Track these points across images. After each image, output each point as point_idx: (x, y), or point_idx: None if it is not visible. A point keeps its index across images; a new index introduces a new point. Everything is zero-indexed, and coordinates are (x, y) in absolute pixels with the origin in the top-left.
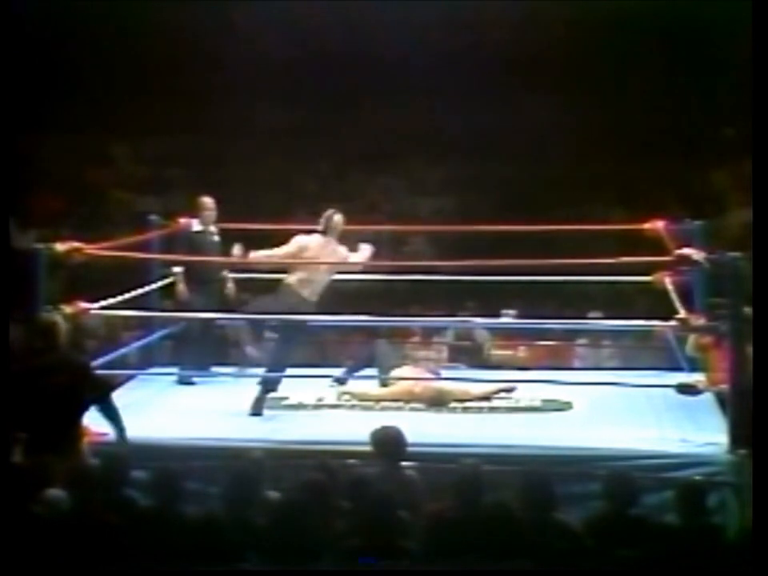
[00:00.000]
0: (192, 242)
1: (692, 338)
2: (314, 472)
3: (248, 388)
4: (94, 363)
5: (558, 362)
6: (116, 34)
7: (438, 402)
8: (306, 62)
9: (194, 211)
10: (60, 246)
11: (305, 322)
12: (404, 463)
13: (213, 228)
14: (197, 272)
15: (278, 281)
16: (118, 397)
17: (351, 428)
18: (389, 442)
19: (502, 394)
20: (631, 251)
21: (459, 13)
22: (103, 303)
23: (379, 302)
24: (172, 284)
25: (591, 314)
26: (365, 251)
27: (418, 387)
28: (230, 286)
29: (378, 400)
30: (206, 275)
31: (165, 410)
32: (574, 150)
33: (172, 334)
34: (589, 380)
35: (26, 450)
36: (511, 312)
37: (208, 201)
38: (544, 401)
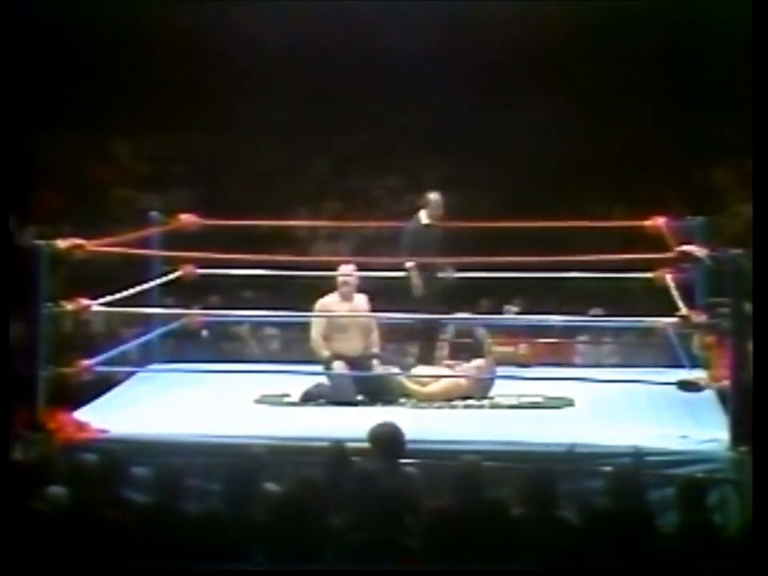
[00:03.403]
0: (417, 235)
1: (696, 337)
2: (313, 468)
3: (248, 385)
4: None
5: (560, 358)
6: (117, 32)
7: (486, 389)
8: (307, 59)
9: (422, 204)
10: (61, 243)
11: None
12: (403, 460)
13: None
14: (423, 266)
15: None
16: (120, 393)
17: (352, 425)
18: (386, 439)
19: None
20: (633, 248)
21: (461, 11)
22: (104, 300)
23: (380, 301)
24: (174, 280)
25: (592, 311)
26: None
27: (462, 381)
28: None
29: (431, 399)
30: (432, 270)
31: (166, 407)
32: (576, 147)
33: (173, 330)
34: (590, 377)
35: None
36: (513, 309)
37: (436, 196)
38: (546, 398)
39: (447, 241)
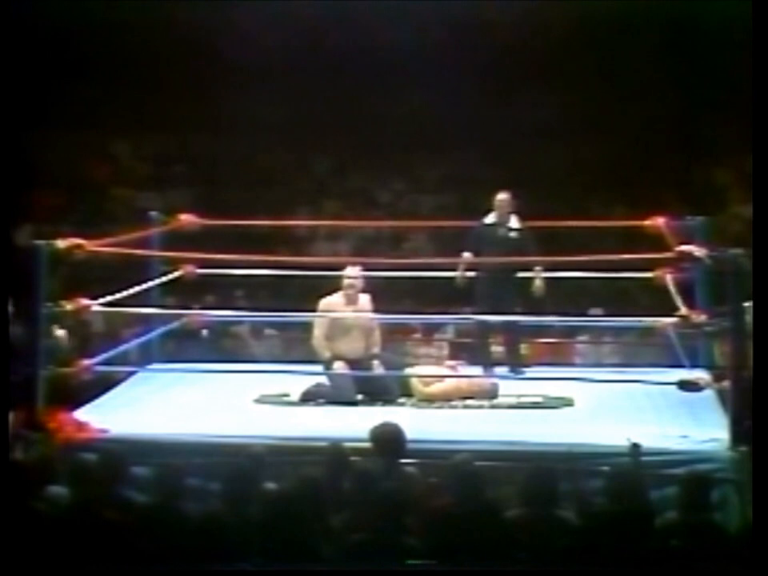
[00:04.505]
0: (480, 235)
1: (717, 344)
2: (313, 468)
3: (248, 385)
4: (98, 359)
5: (559, 359)
6: (117, 31)
7: (492, 395)
8: (307, 58)
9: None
10: (61, 243)
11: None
12: (404, 460)
13: (514, 223)
14: (484, 265)
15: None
16: (120, 393)
17: (352, 425)
18: (387, 439)
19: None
20: (633, 248)
21: (460, 9)
22: (104, 300)
23: (380, 299)
24: (174, 280)
25: (592, 311)
26: None
27: (463, 384)
28: (539, 284)
29: (431, 399)
30: (495, 268)
31: (166, 407)
32: (576, 147)
33: (173, 330)
34: (590, 377)
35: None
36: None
37: (502, 196)
38: (546, 398)
39: (521, 240)
